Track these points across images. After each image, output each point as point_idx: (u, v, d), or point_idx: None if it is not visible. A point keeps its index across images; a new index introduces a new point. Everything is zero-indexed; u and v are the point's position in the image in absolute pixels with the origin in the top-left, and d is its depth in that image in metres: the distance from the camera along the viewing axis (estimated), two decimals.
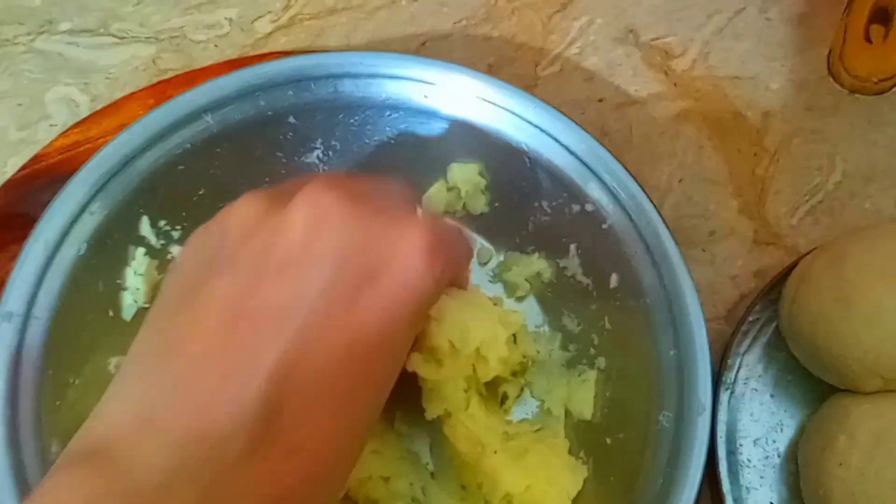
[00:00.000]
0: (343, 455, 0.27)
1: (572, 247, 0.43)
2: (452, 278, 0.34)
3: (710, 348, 0.45)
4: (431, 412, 0.38)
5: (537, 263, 0.45)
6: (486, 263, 0.46)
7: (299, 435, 0.25)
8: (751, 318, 0.46)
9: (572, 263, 0.44)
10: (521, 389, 0.43)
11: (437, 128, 0.43)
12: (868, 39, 0.51)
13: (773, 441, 0.45)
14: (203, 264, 0.28)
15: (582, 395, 0.42)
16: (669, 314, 0.39)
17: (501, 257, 0.46)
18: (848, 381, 0.42)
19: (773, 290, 0.47)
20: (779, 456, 0.45)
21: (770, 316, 0.46)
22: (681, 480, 0.36)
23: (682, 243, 0.48)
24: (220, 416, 0.24)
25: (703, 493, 0.43)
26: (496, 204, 0.45)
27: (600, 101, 0.53)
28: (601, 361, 0.43)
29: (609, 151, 0.42)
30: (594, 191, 0.41)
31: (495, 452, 0.39)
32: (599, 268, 0.42)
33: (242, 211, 0.29)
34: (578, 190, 0.42)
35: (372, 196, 0.30)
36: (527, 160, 0.42)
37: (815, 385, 0.45)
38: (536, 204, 0.43)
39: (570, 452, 0.42)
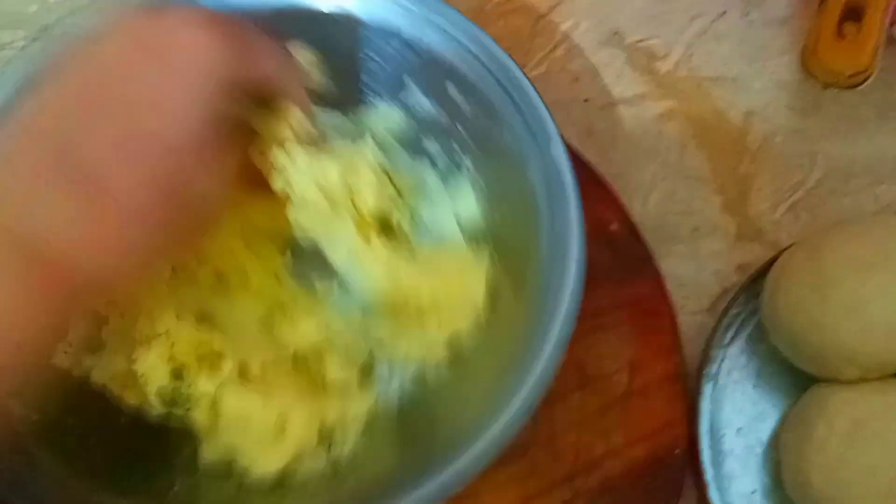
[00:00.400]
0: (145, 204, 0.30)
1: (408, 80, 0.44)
2: (256, 75, 0.35)
3: (693, 341, 0.47)
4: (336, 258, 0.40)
5: (384, 111, 0.45)
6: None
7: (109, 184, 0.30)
8: (733, 311, 0.47)
9: (414, 97, 0.44)
10: (412, 216, 0.44)
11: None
12: (841, 36, 0.52)
13: (756, 431, 0.46)
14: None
15: (463, 198, 0.43)
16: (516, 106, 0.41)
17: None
18: (827, 371, 0.43)
19: (755, 284, 0.48)
20: (761, 445, 0.46)
21: (752, 309, 0.48)
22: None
23: (666, 239, 0.49)
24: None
25: (686, 482, 0.44)
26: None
27: (585, 101, 0.54)
28: (468, 161, 0.44)
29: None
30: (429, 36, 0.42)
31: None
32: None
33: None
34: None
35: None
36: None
37: (796, 375, 0.46)
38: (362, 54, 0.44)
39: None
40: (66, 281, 0.28)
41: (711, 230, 0.51)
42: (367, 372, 0.42)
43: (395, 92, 0.45)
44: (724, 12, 0.57)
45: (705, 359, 0.46)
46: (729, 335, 0.47)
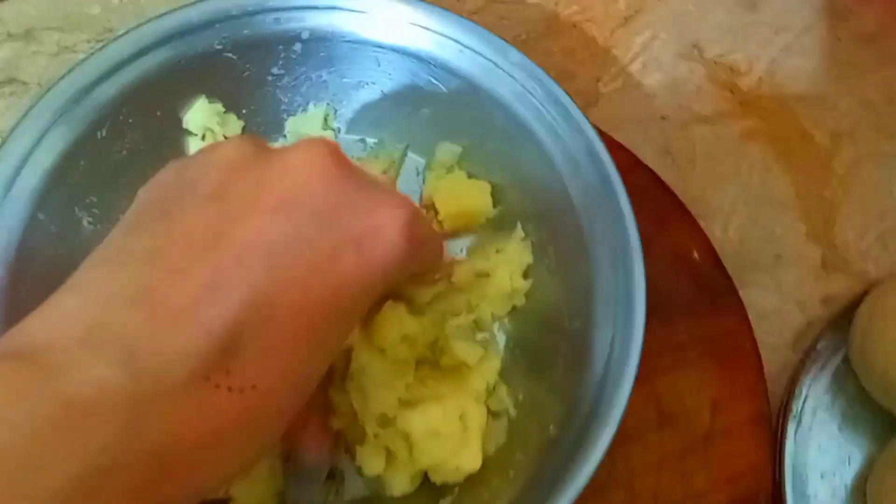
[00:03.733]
0: (288, 402, 0.26)
1: None
2: (421, 268, 0.34)
3: (775, 377, 0.44)
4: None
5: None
6: None
7: (254, 371, 0.24)
8: (819, 347, 0.45)
9: None
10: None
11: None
12: None
13: (841, 475, 0.44)
14: (185, 185, 0.27)
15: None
16: None
17: None
18: None
19: (841, 318, 0.45)
20: (846, 490, 0.44)
21: (838, 344, 0.45)
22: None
23: (747, 267, 0.47)
24: (179, 336, 0.23)
25: None
26: None
27: (663, 118, 0.52)
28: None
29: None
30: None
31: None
32: None
33: (233, 145, 0.28)
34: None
35: (361, 169, 0.30)
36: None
37: (885, 417, 0.44)
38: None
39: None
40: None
41: (795, 259, 0.49)
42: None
43: None
44: (811, 27, 0.54)
45: (789, 397, 0.44)
46: (814, 372, 0.45)
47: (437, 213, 0.42)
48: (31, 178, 0.37)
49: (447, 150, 0.43)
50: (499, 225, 0.43)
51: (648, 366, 0.42)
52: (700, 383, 0.43)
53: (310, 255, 0.26)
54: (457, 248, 0.43)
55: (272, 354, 0.25)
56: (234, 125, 0.43)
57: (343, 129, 0.45)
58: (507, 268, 0.41)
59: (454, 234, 0.43)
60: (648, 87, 0.53)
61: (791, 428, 0.44)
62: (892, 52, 0.52)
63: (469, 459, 0.36)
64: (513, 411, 0.39)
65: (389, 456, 0.37)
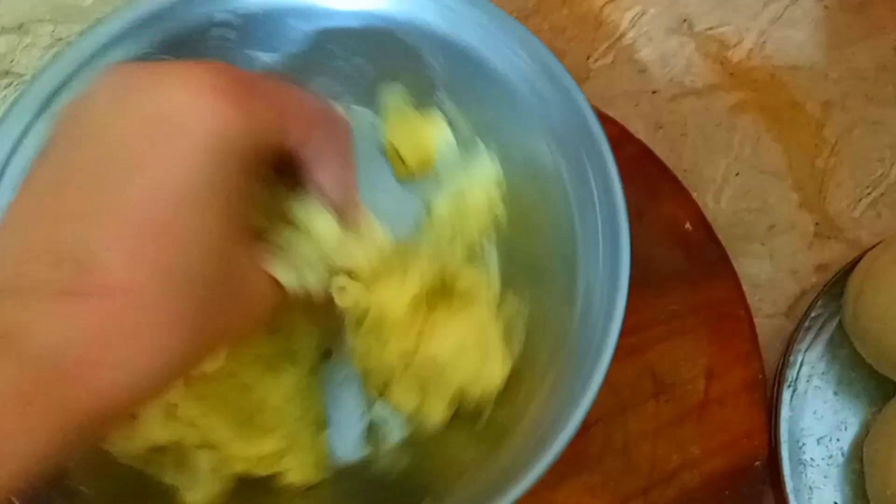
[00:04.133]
0: (168, 301, 0.25)
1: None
2: (285, 130, 0.29)
3: (769, 345, 0.45)
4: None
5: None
6: None
7: (109, 276, 0.24)
8: (813, 314, 0.45)
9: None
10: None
11: None
12: None
13: (837, 440, 0.44)
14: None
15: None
16: None
17: None
18: None
19: (835, 286, 0.46)
20: (843, 455, 0.44)
21: (832, 311, 0.46)
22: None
23: (740, 238, 0.47)
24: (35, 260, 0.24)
25: (766, 493, 0.43)
26: None
27: (654, 92, 0.52)
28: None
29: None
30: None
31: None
32: None
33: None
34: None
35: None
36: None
37: (880, 382, 0.44)
38: None
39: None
40: (73, 402, 0.23)
41: (788, 228, 0.49)
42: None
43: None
44: None
45: (784, 364, 0.44)
46: (808, 339, 0.45)
47: (403, 160, 0.43)
48: (20, 169, 0.37)
49: (390, 93, 0.43)
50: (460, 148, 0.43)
51: (643, 336, 0.43)
52: (694, 352, 0.44)
53: (123, 142, 0.25)
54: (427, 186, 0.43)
55: (123, 255, 0.25)
56: None
57: None
58: (479, 181, 0.41)
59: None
60: (639, 61, 0.53)
61: (786, 395, 0.44)
62: (879, 20, 0.53)
63: (498, 364, 0.37)
64: (525, 310, 0.39)
65: (422, 386, 0.37)
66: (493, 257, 0.42)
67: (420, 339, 0.37)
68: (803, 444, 0.44)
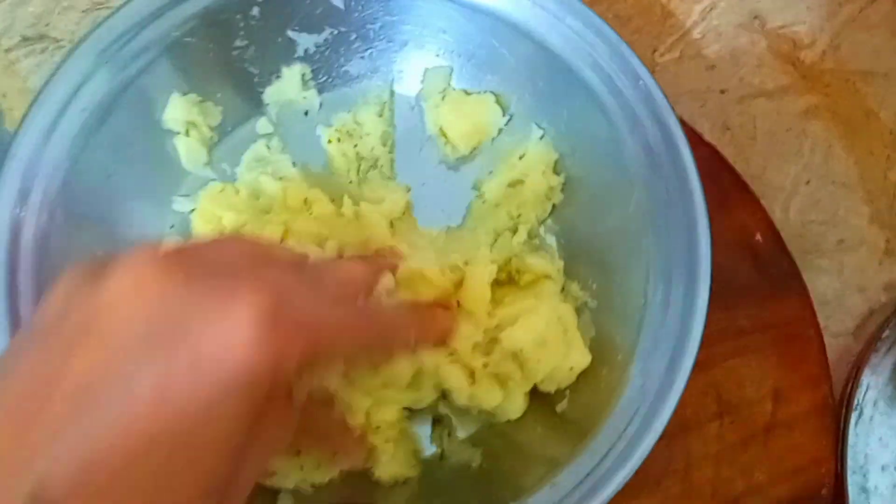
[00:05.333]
0: None
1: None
2: (326, 351, 0.27)
3: (834, 365, 0.43)
4: None
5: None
6: None
7: None
8: (881, 336, 0.43)
9: None
10: None
11: None
12: None
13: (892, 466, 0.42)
14: (36, 320, 0.26)
15: None
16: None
17: None
18: None
19: (891, 305, 0.44)
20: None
21: (889, 331, 0.44)
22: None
23: (808, 251, 0.45)
24: None
25: None
26: None
27: (722, 92, 0.49)
28: None
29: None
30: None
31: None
32: None
33: (61, 285, 0.26)
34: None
35: (206, 262, 0.26)
36: None
37: None
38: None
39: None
40: None
41: (858, 243, 0.47)
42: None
43: None
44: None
45: (852, 388, 0.42)
46: (876, 362, 0.43)
47: (447, 140, 0.42)
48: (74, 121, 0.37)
49: (435, 73, 0.42)
50: (512, 132, 0.42)
51: (708, 353, 0.40)
52: (762, 372, 0.42)
53: (134, 392, 0.23)
54: (477, 170, 0.42)
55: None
56: (214, 113, 0.41)
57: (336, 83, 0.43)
58: (537, 168, 0.40)
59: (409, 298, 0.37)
60: (707, 58, 0.50)
61: (852, 419, 0.42)
62: None
63: (579, 356, 0.37)
64: (592, 302, 0.39)
65: (502, 381, 0.37)
66: (553, 247, 0.41)
67: (500, 332, 0.36)
68: (867, 471, 0.42)
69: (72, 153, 0.37)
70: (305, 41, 0.42)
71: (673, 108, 0.37)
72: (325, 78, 0.43)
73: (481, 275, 0.37)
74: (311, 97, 0.43)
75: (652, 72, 0.48)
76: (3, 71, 0.47)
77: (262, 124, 0.42)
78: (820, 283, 0.46)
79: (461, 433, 0.38)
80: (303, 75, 0.42)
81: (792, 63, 0.50)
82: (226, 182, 0.41)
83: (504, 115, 0.42)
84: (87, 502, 0.22)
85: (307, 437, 0.31)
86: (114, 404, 0.22)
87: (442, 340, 0.34)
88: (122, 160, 0.39)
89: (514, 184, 0.41)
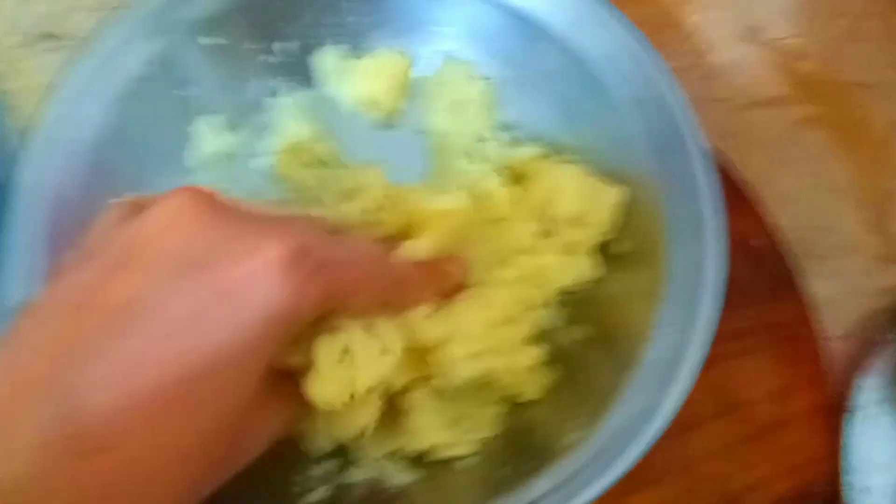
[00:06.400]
0: (161, 468, 0.24)
1: None
2: (344, 298, 0.29)
3: (831, 370, 0.44)
4: None
5: None
6: None
7: (105, 436, 0.23)
8: (878, 339, 0.44)
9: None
10: None
11: None
12: None
13: (886, 467, 0.43)
14: (64, 270, 0.28)
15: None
16: None
17: None
18: None
19: (886, 310, 0.45)
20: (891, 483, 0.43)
21: (885, 336, 0.45)
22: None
23: (804, 255, 0.46)
24: (24, 409, 0.23)
25: None
26: None
27: (721, 101, 0.50)
28: None
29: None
30: None
31: None
32: None
33: (105, 217, 0.29)
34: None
35: (240, 208, 0.28)
36: None
37: None
38: None
39: None
40: None
41: (853, 249, 0.48)
42: None
43: None
44: (870, 13, 0.53)
45: (848, 389, 0.43)
46: (873, 364, 0.44)
47: (373, 104, 0.43)
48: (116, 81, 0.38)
49: (329, 55, 0.43)
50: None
51: (711, 352, 0.41)
52: (761, 372, 0.42)
53: (168, 316, 0.25)
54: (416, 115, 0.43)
55: (128, 419, 0.24)
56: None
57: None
58: (458, 80, 0.42)
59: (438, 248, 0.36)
60: (705, 68, 0.51)
61: (850, 420, 0.43)
62: None
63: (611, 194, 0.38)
64: None
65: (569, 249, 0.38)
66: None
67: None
68: (865, 471, 0.43)
69: (108, 118, 0.38)
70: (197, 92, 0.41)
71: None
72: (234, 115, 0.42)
73: (486, 184, 0.38)
74: (230, 139, 0.42)
75: None
76: (8, 68, 0.47)
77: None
78: (817, 287, 0.47)
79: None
80: (213, 124, 0.42)
81: (789, 73, 0.52)
82: None
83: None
84: (121, 422, 0.23)
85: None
86: (150, 327, 0.24)
87: (453, 294, 0.34)
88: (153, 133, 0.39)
89: (452, 106, 0.42)
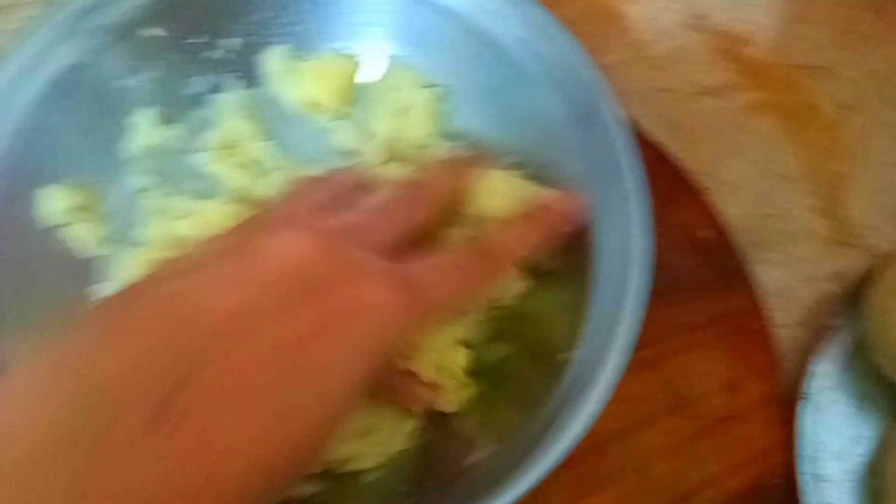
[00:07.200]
0: (254, 469, 0.25)
1: None
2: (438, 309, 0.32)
3: (784, 355, 0.44)
4: None
5: None
6: None
7: (202, 429, 0.23)
8: (829, 325, 0.44)
9: None
10: None
11: None
12: None
13: (854, 455, 0.43)
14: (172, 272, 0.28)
15: None
16: None
17: None
18: None
19: (852, 294, 0.44)
20: (859, 470, 0.43)
21: (849, 321, 0.44)
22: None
23: (755, 244, 0.46)
24: (124, 384, 0.23)
25: None
26: None
27: (669, 91, 0.50)
28: None
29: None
30: None
31: None
32: None
33: (234, 228, 0.31)
34: None
35: (347, 237, 0.30)
36: None
37: (887, 395, 0.43)
38: None
39: None
40: None
41: (803, 235, 0.48)
42: None
43: None
44: None
45: (801, 377, 0.43)
46: (825, 351, 0.44)
47: (323, 107, 0.42)
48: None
49: (273, 55, 0.42)
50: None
51: (659, 348, 0.42)
52: (713, 365, 0.42)
53: (288, 328, 0.26)
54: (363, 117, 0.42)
55: (222, 414, 0.24)
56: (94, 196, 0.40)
57: None
58: (403, 88, 0.41)
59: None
60: (653, 58, 0.51)
61: (803, 408, 0.43)
62: None
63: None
64: None
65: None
66: None
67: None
68: (820, 460, 0.43)
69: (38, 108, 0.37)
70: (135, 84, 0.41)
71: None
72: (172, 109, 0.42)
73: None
74: (165, 133, 0.41)
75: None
76: None
77: (138, 180, 0.41)
78: (767, 275, 0.47)
79: None
80: (149, 117, 0.41)
81: (737, 60, 0.51)
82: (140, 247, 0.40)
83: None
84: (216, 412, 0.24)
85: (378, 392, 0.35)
86: (266, 333, 0.26)
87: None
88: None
89: (396, 112, 0.42)
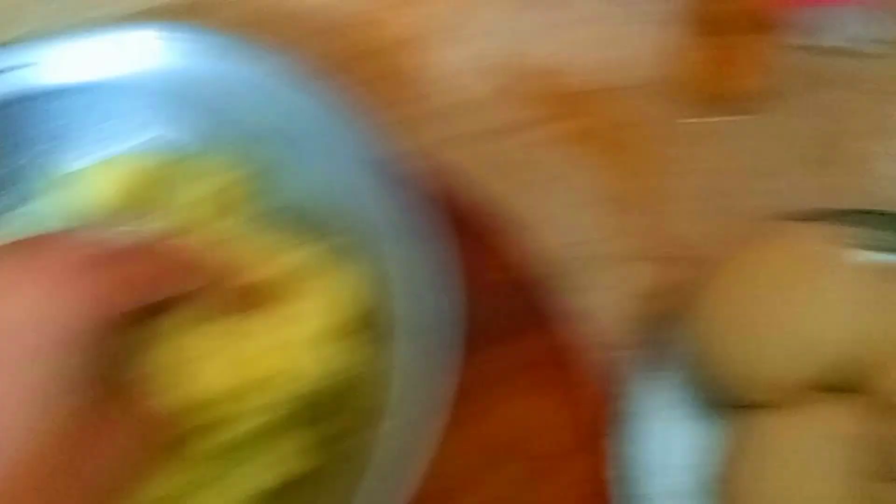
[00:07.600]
0: None
1: None
2: (149, 295, 0.30)
3: (614, 380, 0.43)
4: None
5: None
6: None
7: None
8: (649, 342, 0.44)
9: None
10: None
11: None
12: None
13: (688, 466, 0.43)
14: None
15: None
16: None
17: None
18: (756, 396, 0.40)
19: (665, 311, 0.45)
20: (695, 481, 0.42)
21: (664, 337, 0.44)
22: None
23: (571, 271, 0.46)
24: None
25: None
26: None
27: (483, 133, 0.51)
28: None
29: None
30: None
31: None
32: None
33: None
34: None
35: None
36: None
37: (721, 405, 0.42)
38: None
39: None
40: None
41: (619, 255, 0.48)
42: None
43: None
44: (607, 17, 0.54)
45: (620, 396, 0.43)
46: (648, 368, 0.44)
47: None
48: None
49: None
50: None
51: (476, 405, 0.41)
52: (531, 409, 0.42)
53: None
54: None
55: None
56: None
57: None
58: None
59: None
60: (444, 108, 0.52)
61: (625, 427, 0.43)
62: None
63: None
64: None
65: None
66: None
67: None
68: (656, 476, 0.42)
69: None
70: None
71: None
72: None
73: None
74: None
75: (418, 125, 0.49)
76: None
77: None
78: (586, 301, 0.46)
79: None
80: None
81: (550, 92, 0.52)
82: None
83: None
84: None
85: None
86: None
87: None
88: None
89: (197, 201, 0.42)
